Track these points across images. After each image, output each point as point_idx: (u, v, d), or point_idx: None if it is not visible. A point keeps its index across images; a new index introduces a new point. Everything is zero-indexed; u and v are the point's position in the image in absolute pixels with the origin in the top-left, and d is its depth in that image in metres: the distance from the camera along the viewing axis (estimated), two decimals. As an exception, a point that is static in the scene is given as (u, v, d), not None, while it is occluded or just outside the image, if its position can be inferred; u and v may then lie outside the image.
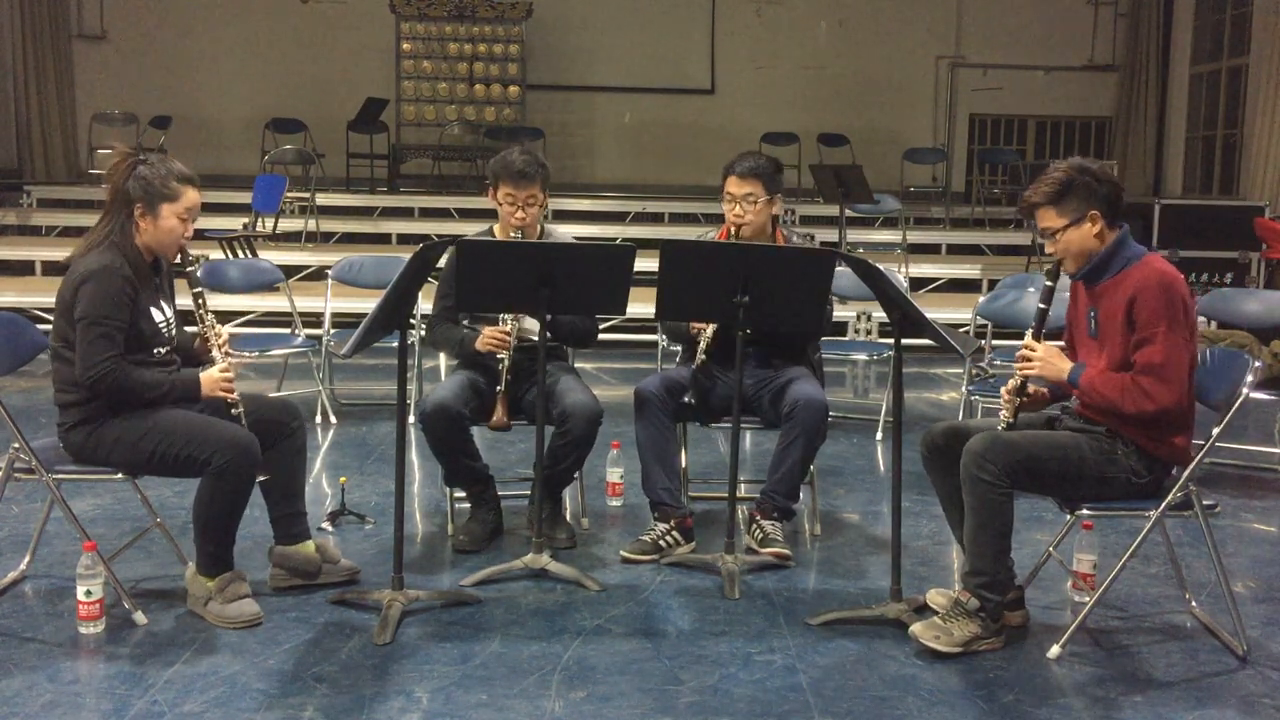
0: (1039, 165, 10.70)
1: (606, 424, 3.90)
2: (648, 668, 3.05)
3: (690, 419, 4.08)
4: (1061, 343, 3.43)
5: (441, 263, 3.97)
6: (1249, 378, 3.12)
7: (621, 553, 3.87)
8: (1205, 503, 3.18)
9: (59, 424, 3.31)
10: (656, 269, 3.50)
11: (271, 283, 6.07)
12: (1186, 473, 3.14)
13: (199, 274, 3.46)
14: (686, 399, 3.94)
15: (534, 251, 3.65)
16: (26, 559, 3.61)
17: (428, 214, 11.61)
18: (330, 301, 6.02)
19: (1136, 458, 3.13)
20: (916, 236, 10.56)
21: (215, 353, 3.41)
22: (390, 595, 3.33)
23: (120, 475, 3.28)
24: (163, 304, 3.39)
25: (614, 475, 4.51)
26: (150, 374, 3.26)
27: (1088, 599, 3.38)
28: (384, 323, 3.32)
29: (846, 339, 8.02)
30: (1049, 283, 3.26)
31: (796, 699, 2.88)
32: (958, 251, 11.15)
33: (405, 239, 10.77)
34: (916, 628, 3.16)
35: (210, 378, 3.33)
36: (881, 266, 3.40)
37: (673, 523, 3.90)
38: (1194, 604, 3.51)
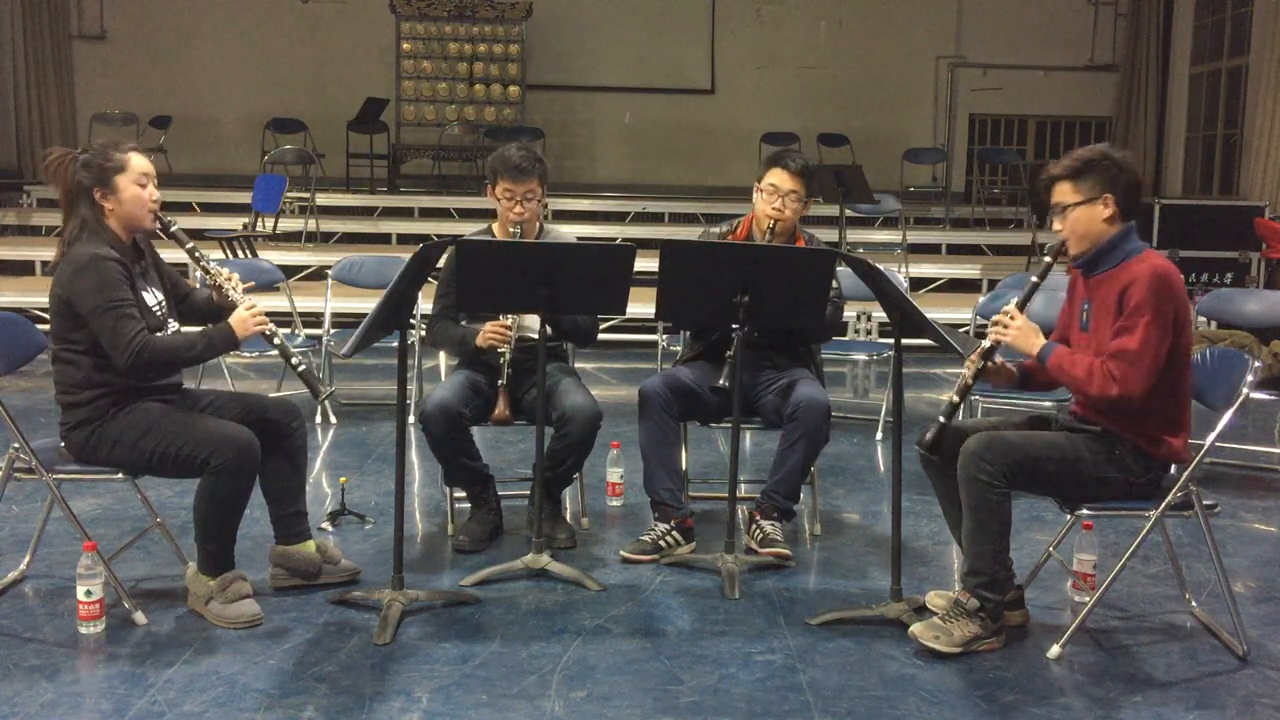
0: (1039, 165, 10.70)
1: (606, 424, 3.91)
2: (648, 668, 3.05)
3: (695, 418, 4.04)
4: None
5: (441, 262, 3.97)
6: (1249, 378, 3.13)
7: (621, 553, 3.87)
8: (1205, 503, 3.18)
9: (62, 423, 3.31)
10: (656, 269, 3.50)
11: (271, 283, 6.07)
12: (1187, 473, 3.14)
13: (182, 231, 3.42)
14: (721, 382, 3.80)
15: (534, 251, 3.65)
16: (26, 559, 3.61)
17: (428, 214, 11.60)
18: (330, 301, 6.03)
19: (1133, 458, 3.13)
20: (916, 236, 10.55)
21: (233, 295, 3.38)
22: (390, 595, 3.33)
23: (120, 475, 3.28)
24: (153, 289, 3.38)
25: (614, 475, 4.51)
26: (181, 336, 3.26)
27: (1088, 599, 3.37)
28: (384, 323, 3.32)
29: (846, 339, 8.00)
30: (1048, 258, 3.26)
31: (796, 699, 2.88)
32: (957, 251, 11.15)
33: (405, 239, 10.77)
34: (916, 628, 3.16)
35: (240, 319, 3.31)
36: (881, 266, 3.40)
37: (673, 523, 3.89)
38: (1194, 604, 3.51)
